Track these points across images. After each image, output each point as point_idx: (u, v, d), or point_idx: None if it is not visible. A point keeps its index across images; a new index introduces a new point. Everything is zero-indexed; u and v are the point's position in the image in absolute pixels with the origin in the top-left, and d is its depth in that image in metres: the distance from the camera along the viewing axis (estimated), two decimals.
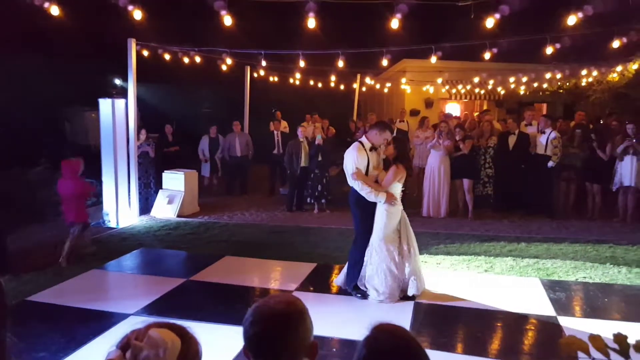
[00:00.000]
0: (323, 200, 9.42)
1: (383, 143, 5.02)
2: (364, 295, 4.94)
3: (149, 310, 4.64)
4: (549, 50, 8.42)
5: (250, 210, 9.44)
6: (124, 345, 1.14)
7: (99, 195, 8.18)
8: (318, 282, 5.53)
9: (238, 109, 12.80)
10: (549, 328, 4.34)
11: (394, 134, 5.23)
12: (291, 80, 13.76)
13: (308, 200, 9.56)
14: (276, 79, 13.48)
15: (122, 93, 8.46)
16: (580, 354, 1.13)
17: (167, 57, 9.81)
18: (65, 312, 4.59)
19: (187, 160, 10.44)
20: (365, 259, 4.97)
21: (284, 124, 11.63)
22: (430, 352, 1.36)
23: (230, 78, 12.66)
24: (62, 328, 4.24)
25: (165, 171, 9.34)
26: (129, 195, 8.39)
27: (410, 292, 4.89)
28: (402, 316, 4.46)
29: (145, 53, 9.03)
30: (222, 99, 14.06)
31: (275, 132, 11.14)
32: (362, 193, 4.84)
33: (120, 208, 8.20)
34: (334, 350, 3.96)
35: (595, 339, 1.09)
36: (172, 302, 4.89)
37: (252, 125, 12.74)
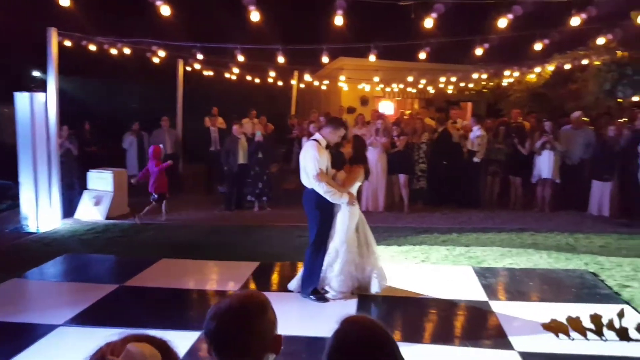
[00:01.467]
0: (264, 198, 9.33)
1: (338, 140, 4.89)
2: (324, 299, 4.74)
3: (79, 319, 4.31)
4: (478, 51, 8.89)
5: (187, 210, 9.14)
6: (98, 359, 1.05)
7: (15, 197, 7.56)
8: (262, 281, 5.45)
9: (170, 104, 12.32)
10: (482, 312, 4.57)
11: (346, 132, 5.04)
12: (227, 75, 13.45)
13: (248, 198, 9.42)
14: (211, 73, 13.09)
15: (42, 87, 7.85)
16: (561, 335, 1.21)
17: (92, 48, 9.22)
18: None
19: (112, 159, 9.90)
20: (325, 262, 4.81)
21: (220, 120, 11.36)
22: None
23: (161, 72, 12.13)
24: None
25: (90, 170, 8.81)
26: (50, 196, 7.80)
27: (373, 290, 4.84)
28: (345, 310, 4.49)
29: (68, 44, 8.43)
30: (153, 93, 13.44)
31: (211, 129, 10.85)
32: (327, 196, 4.61)
33: (40, 211, 7.60)
34: (282, 347, 3.92)
35: (575, 321, 1.17)
36: (105, 310, 4.58)
37: (185, 121, 12.31)
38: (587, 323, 1.07)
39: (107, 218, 8.30)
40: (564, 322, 1.15)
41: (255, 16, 6.57)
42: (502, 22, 7.21)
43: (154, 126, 11.00)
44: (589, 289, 5.06)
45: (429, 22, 6.91)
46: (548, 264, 5.93)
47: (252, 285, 5.27)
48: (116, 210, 8.54)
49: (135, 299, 4.95)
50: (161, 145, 8.93)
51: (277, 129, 11.50)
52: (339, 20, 6.79)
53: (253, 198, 9.33)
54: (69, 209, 8.44)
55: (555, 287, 5.21)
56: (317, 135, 4.88)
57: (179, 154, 10.94)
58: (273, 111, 13.33)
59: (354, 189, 4.85)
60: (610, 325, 1.12)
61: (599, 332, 1.14)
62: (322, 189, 4.60)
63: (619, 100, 9.63)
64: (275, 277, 5.67)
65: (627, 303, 4.59)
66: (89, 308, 4.55)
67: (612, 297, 4.80)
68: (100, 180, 8.64)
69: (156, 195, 8.28)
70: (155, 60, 10.44)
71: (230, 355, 1.33)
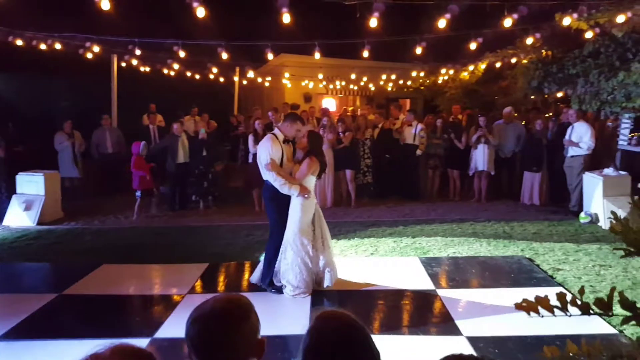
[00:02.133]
0: (210, 197, 9.13)
1: (295, 134, 4.93)
2: (279, 291, 4.83)
3: (15, 333, 4.00)
4: (416, 50, 9.19)
5: (126, 212, 8.74)
6: None
7: None
8: (212, 283, 5.35)
9: (104, 102, 11.71)
10: (430, 300, 4.75)
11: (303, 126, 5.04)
12: (166, 72, 12.98)
13: (193, 197, 9.18)
14: (148, 69, 12.58)
15: None
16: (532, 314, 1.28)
17: (19, 43, 8.58)
18: None
19: (43, 160, 9.29)
20: (279, 253, 4.86)
21: (159, 117, 10.97)
22: None
23: (94, 68, 11.48)
24: None
25: (19, 173, 8.23)
26: None
27: (325, 284, 4.89)
28: (301, 307, 4.52)
29: None
30: (85, 91, 12.70)
31: (151, 127, 10.46)
32: (276, 185, 4.73)
33: None
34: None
35: (543, 300, 1.25)
36: (44, 321, 4.29)
37: (121, 119, 11.75)
38: (553, 301, 1.19)
39: (39, 224, 7.80)
40: (533, 301, 1.25)
41: (200, 12, 6.40)
42: (440, 23, 7.48)
43: (87, 125, 10.43)
44: (526, 273, 5.38)
45: (373, 22, 7.03)
46: (488, 252, 6.25)
47: (199, 288, 5.14)
48: (49, 216, 8.05)
49: (77, 308, 4.67)
50: (142, 143, 8.62)
51: (219, 126, 11.29)
52: (284, 17, 6.75)
53: (198, 197, 9.11)
54: None
55: (495, 273, 5.50)
56: (275, 130, 5.00)
57: (121, 153, 10.44)
58: (215, 108, 13.03)
59: (310, 182, 4.87)
60: (573, 302, 1.22)
61: (564, 308, 1.24)
62: (271, 177, 4.72)
63: (545, 95, 10.33)
64: (225, 278, 5.56)
65: (561, 285, 4.96)
66: (25, 320, 4.24)
67: (547, 280, 5.15)
68: (31, 184, 8.10)
69: (139, 193, 8.30)
70: (89, 55, 9.89)
71: (214, 356, 1.29)
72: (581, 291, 1.27)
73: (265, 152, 4.75)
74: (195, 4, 5.94)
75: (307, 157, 4.87)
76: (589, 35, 7.80)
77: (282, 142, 4.85)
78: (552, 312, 1.24)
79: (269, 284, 4.91)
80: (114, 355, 1.00)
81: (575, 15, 7.11)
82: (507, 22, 7.39)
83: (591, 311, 1.22)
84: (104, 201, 9.66)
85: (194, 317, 1.32)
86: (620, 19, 6.73)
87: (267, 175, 4.76)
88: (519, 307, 1.34)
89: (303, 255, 4.78)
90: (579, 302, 1.23)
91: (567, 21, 7.29)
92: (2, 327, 4.08)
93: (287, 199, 4.81)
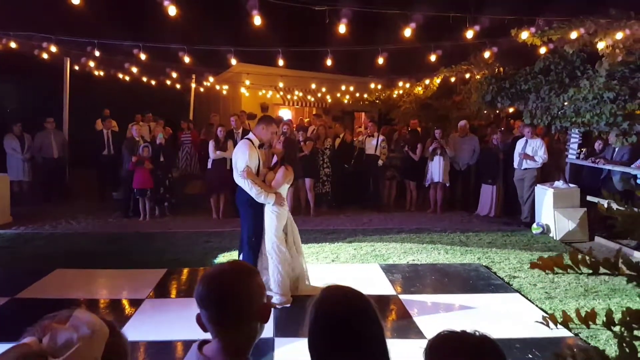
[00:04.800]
0: (166, 204, 8.90)
1: (271, 137, 4.83)
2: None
3: None
4: (375, 62, 9.44)
5: (78, 218, 8.42)
6: (38, 332, 0.95)
7: None
8: (173, 288, 5.23)
9: (55, 105, 11.21)
10: (392, 305, 4.86)
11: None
12: (121, 76, 12.61)
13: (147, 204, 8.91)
14: (102, 73, 12.18)
15: None
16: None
17: None
18: None
19: None
20: (258, 263, 4.75)
21: (113, 123, 10.63)
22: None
23: (45, 70, 11.01)
24: None
25: None
26: None
27: (299, 291, 4.86)
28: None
29: None
30: (35, 93, 12.12)
31: (104, 132, 10.12)
32: (252, 193, 4.60)
33: None
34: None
35: (557, 259, 1.32)
36: None
37: (73, 123, 11.29)
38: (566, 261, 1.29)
39: None
40: (550, 260, 1.33)
41: (172, 11, 6.29)
42: (405, 32, 7.65)
43: (36, 128, 9.98)
44: (484, 280, 5.60)
45: (342, 28, 7.17)
46: (446, 259, 6.45)
47: (159, 293, 5.01)
48: None
49: (31, 312, 4.34)
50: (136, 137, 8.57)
51: (173, 133, 11.09)
52: (255, 20, 6.76)
53: (153, 203, 8.87)
54: None
55: (454, 279, 5.68)
56: (250, 135, 4.84)
57: (65, 158, 10.03)
58: (169, 115, 12.79)
59: (283, 190, 4.82)
60: (583, 261, 1.31)
61: (576, 268, 1.32)
62: (246, 186, 4.60)
63: (497, 110, 10.86)
64: (186, 283, 5.45)
65: (518, 291, 5.20)
66: None
67: (504, 286, 5.38)
68: None
69: (135, 191, 8.45)
70: (45, 56, 9.46)
71: (221, 319, 1.31)
72: (589, 252, 1.37)
73: (242, 159, 4.59)
74: (166, 3, 5.85)
75: (282, 166, 4.80)
76: (542, 50, 8.28)
77: (258, 148, 4.75)
78: (566, 270, 1.32)
79: None
80: (75, 311, 1.00)
81: (532, 29, 7.51)
82: (469, 34, 7.68)
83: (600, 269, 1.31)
84: (52, 206, 9.25)
85: (203, 277, 1.35)
86: (573, 35, 7.20)
87: (242, 183, 4.63)
88: (534, 265, 1.43)
89: (283, 263, 4.72)
90: (588, 261, 1.32)
91: (524, 35, 7.67)
92: None
93: (262, 205, 4.73)
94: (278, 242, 4.72)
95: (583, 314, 1.44)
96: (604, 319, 1.39)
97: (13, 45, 8.81)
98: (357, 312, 1.39)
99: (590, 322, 1.41)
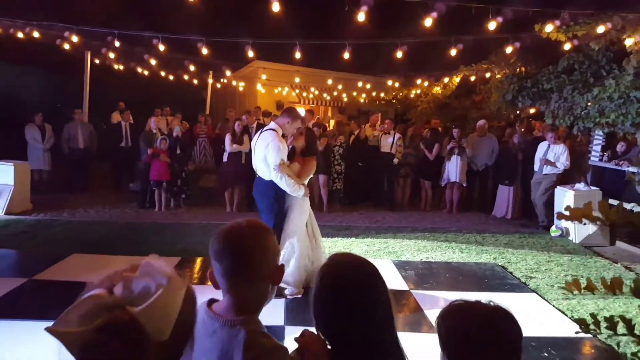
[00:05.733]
0: (183, 196, 8.97)
1: (294, 132, 4.68)
2: (282, 295, 4.56)
3: None
4: (398, 54, 9.30)
5: (95, 207, 8.53)
6: (105, 283, 0.88)
7: None
8: (188, 275, 5.26)
9: (75, 97, 11.40)
10: (405, 300, 4.81)
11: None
12: (140, 70, 12.76)
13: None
14: (121, 67, 12.35)
15: None
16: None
17: None
18: None
19: (8, 151, 8.98)
20: (283, 255, 4.62)
21: (129, 114, 10.77)
22: (302, 329, 1.44)
23: (68, 62, 11.21)
24: None
25: None
26: None
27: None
28: (276, 309, 4.40)
29: None
30: (56, 84, 12.37)
31: (122, 124, 10.26)
32: (286, 187, 4.44)
33: None
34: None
35: (585, 210, 1.28)
36: (15, 303, 4.22)
37: (90, 115, 11.46)
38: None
39: (7, 213, 7.53)
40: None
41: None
42: (426, 22, 7.45)
43: (56, 119, 10.15)
44: (499, 279, 5.51)
45: (361, 16, 7.05)
46: (461, 258, 6.37)
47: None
48: (17, 206, 7.79)
49: (47, 292, 4.53)
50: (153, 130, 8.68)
51: (190, 127, 11.18)
52: (274, 6, 6.71)
53: (169, 195, 8.94)
54: None
55: (469, 278, 5.60)
56: (272, 125, 4.68)
57: (92, 149, 10.20)
58: (185, 110, 12.91)
59: (306, 182, 4.74)
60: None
61: (605, 219, 1.31)
62: (283, 180, 4.43)
63: (517, 111, 10.68)
64: (199, 271, 5.47)
65: (534, 291, 5.11)
66: None
67: (521, 286, 5.29)
68: (0, 173, 7.80)
69: (151, 182, 8.54)
70: (66, 46, 9.61)
71: (234, 272, 1.30)
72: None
73: (275, 152, 4.40)
74: None
75: (307, 157, 4.71)
76: (567, 47, 8.05)
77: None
78: (594, 221, 1.29)
79: None
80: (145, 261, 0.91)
81: (557, 22, 7.29)
82: (492, 25, 7.44)
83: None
84: (71, 196, 9.41)
85: (219, 231, 1.34)
86: (600, 29, 6.97)
87: (275, 177, 4.44)
88: (561, 216, 1.40)
89: (303, 256, 4.64)
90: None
91: (549, 28, 7.39)
92: None
93: (285, 198, 4.60)
94: (304, 235, 4.64)
95: (602, 316, 1.40)
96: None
97: (36, 34, 8.94)
98: (365, 275, 1.37)
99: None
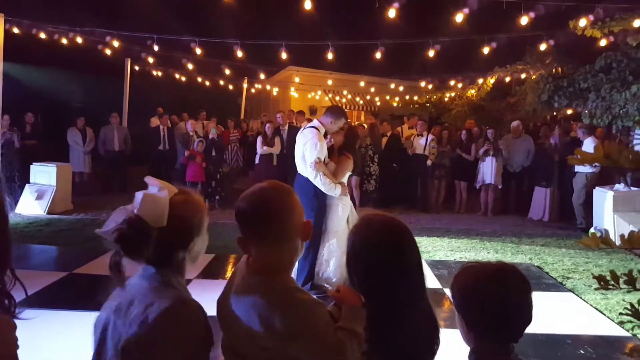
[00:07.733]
0: (217, 197, 9.15)
1: (337, 131, 4.66)
2: (322, 292, 4.43)
3: (29, 302, 4.04)
4: (430, 53, 9.22)
5: None
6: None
7: None
8: (222, 271, 5.38)
9: (115, 101, 11.87)
10: (438, 298, 4.75)
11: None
12: (177, 76, 13.16)
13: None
14: (159, 73, 12.77)
15: None
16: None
17: (42, 36, 8.73)
18: None
19: (55, 153, 9.45)
20: (324, 254, 4.64)
21: (167, 119, 11.12)
22: None
23: (109, 67, 11.69)
24: None
25: (34, 163, 8.33)
26: None
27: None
28: None
29: (16, 31, 7.94)
30: (98, 88, 12.91)
31: (161, 128, 10.59)
32: (321, 185, 4.42)
33: None
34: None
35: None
36: (56, 294, 4.46)
37: (130, 120, 11.91)
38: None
39: (49, 213, 7.86)
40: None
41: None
42: (457, 17, 7.37)
43: (98, 122, 10.58)
44: (535, 279, 5.36)
45: (391, 13, 7.05)
46: (495, 259, 6.20)
47: (207, 274, 5.13)
48: (59, 206, 8.13)
49: (86, 285, 4.73)
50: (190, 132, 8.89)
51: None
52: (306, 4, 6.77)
53: (204, 196, 9.15)
54: (8, 202, 7.90)
55: None
56: (315, 123, 4.64)
57: (127, 151, 10.57)
58: (220, 115, 13.20)
59: (344, 180, 4.71)
60: None
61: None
62: (317, 179, 4.41)
63: (554, 112, 10.39)
64: (233, 267, 5.57)
65: (571, 291, 4.97)
66: (37, 292, 4.41)
67: (557, 286, 5.16)
68: (43, 174, 8.21)
69: (187, 183, 8.55)
70: (107, 52, 10.02)
71: (265, 234, 1.33)
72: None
73: (313, 150, 4.38)
74: None
75: (344, 155, 4.68)
76: (602, 43, 7.75)
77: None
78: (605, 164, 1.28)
79: (312, 287, 4.52)
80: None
81: (591, 17, 7.04)
82: (524, 20, 7.25)
83: None
84: (111, 197, 9.73)
85: (244, 196, 1.38)
86: (637, 23, 6.68)
87: (311, 175, 4.43)
88: (572, 160, 1.43)
89: (343, 254, 4.62)
90: None
91: (582, 22, 7.13)
92: (18, 297, 4.12)
93: (325, 196, 4.55)
94: (341, 233, 4.58)
95: None
96: None
97: (79, 40, 9.35)
98: (395, 233, 1.40)
99: None
